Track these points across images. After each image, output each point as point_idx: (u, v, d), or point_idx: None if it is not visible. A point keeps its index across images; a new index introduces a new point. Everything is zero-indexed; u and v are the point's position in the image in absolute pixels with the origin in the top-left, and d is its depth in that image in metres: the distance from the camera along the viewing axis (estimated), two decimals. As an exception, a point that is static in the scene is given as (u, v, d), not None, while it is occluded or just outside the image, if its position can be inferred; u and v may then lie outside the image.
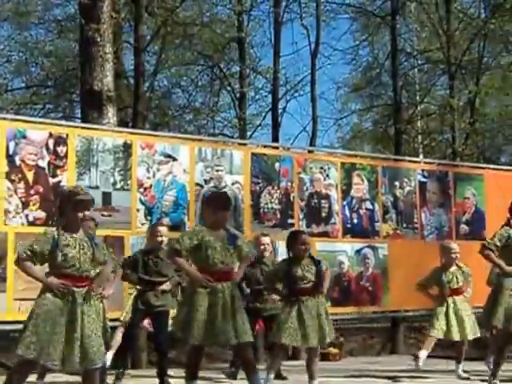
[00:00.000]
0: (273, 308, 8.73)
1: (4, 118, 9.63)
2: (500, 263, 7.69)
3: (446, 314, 9.02)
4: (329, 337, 7.47)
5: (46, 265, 5.63)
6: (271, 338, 7.68)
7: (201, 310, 6.39)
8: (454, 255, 9.19)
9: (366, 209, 11.90)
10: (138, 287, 8.16)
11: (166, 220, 9.85)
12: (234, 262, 6.74)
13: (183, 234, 6.81)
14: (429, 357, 9.10)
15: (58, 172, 9.44)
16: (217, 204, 6.74)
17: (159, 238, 8.14)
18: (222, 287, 6.47)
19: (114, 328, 8.58)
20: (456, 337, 9.01)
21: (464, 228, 12.74)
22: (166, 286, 8.02)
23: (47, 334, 5.30)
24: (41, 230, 8.79)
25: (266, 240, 9.25)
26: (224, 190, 10.44)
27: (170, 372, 8.43)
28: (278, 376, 8.46)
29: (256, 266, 8.97)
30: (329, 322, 7.51)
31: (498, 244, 7.63)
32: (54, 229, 5.59)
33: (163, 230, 8.30)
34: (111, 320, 8.10)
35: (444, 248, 9.40)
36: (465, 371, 9.08)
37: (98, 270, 5.77)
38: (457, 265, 9.22)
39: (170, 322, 7.99)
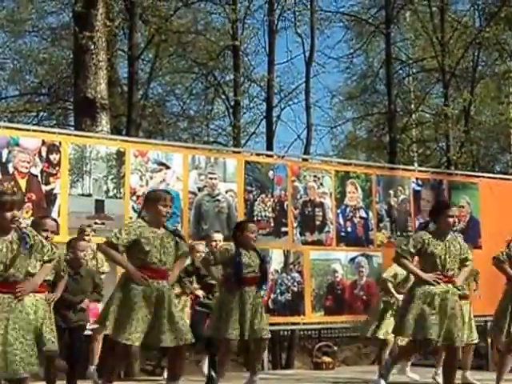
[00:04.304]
0: None
1: (-3, 126, 9.61)
2: (416, 271, 6.84)
3: None
4: (266, 331, 7.20)
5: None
6: (212, 333, 7.26)
7: (138, 309, 5.84)
8: None
9: (360, 217, 11.87)
10: None
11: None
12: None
13: (120, 228, 6.19)
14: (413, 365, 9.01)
15: (51, 179, 9.40)
16: (155, 200, 6.13)
17: None
18: (157, 284, 5.95)
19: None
20: None
21: (458, 236, 12.69)
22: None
23: None
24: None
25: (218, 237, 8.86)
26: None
27: None
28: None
29: None
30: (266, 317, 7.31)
31: (413, 250, 6.76)
32: None
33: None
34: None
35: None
36: None
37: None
38: None
39: None
